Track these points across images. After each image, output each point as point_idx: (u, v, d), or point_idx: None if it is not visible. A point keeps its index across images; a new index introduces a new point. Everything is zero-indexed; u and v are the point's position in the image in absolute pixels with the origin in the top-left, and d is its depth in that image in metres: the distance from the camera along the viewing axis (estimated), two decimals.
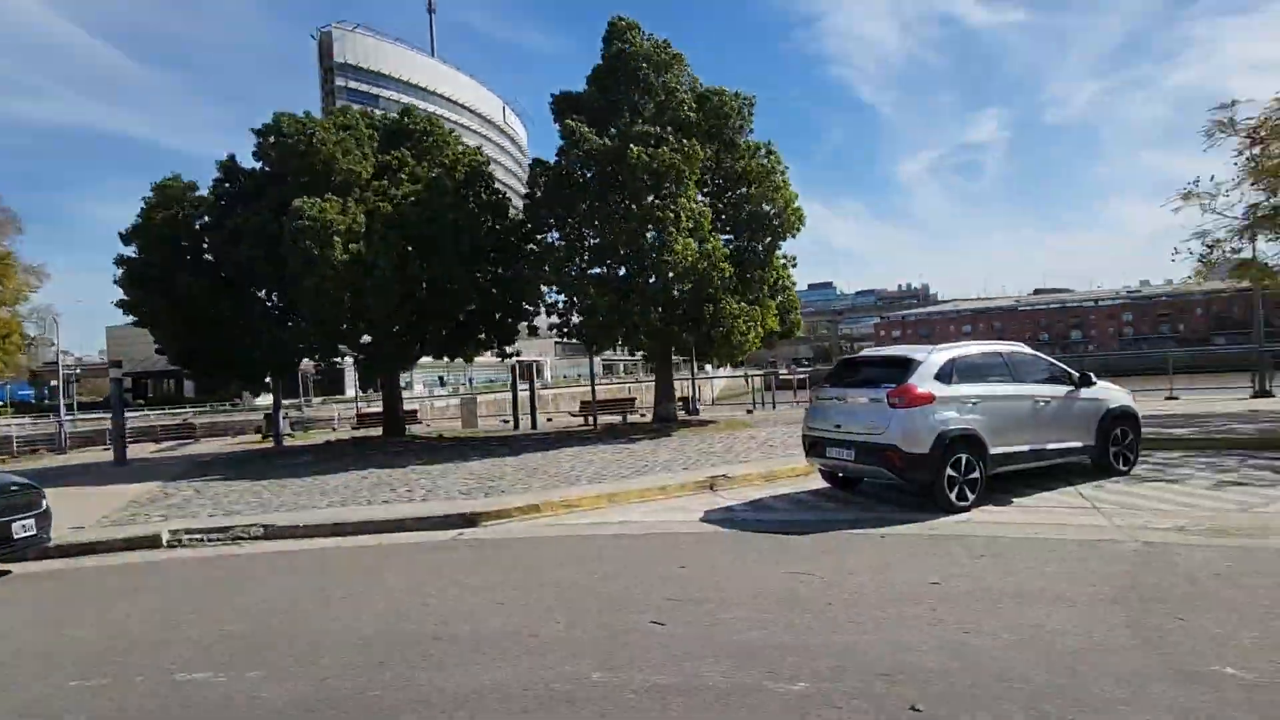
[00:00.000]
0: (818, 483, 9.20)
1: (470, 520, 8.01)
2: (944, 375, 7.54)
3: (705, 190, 16.51)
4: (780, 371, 36.64)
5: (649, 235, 14.75)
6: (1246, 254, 14.74)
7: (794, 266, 17.10)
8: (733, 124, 16.44)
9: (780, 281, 16.82)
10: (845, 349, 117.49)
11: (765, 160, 16.63)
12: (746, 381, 36.80)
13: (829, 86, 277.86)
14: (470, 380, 61.14)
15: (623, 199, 16.33)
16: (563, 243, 16.76)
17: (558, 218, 16.93)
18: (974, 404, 7.50)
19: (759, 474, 9.64)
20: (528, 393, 20.82)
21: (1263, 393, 17.46)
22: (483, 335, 18.50)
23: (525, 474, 10.73)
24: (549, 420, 23.13)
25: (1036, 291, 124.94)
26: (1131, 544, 5.74)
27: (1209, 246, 15.02)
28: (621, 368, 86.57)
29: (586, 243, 16.55)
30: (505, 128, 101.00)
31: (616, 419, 19.89)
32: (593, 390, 17.63)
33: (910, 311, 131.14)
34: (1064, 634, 3.90)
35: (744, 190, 16.66)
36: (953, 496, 7.21)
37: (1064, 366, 8.53)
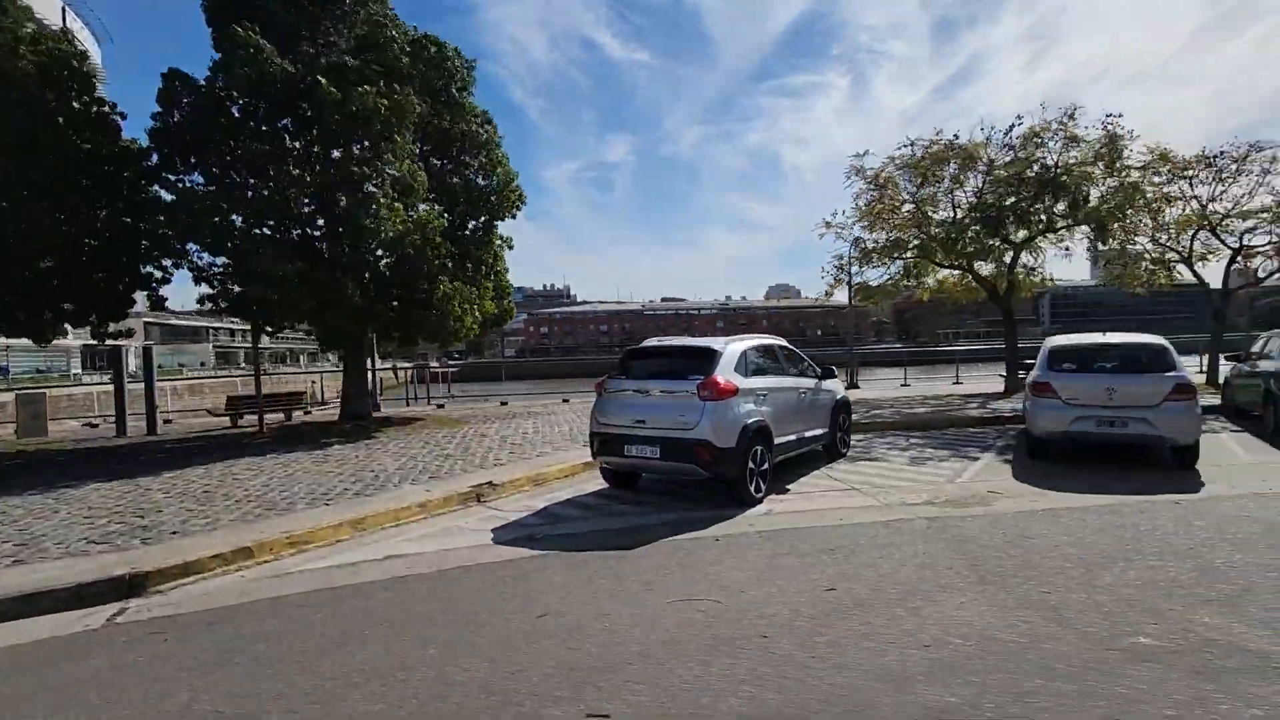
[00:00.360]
0: (591, 484, 8.47)
1: (133, 586, 5.13)
2: (740, 367, 7.49)
3: (419, 152, 14.27)
4: (431, 364, 34.79)
5: (348, 196, 12.02)
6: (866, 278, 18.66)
7: (510, 249, 15.95)
8: (458, 81, 14.54)
9: (496, 264, 15.52)
10: (497, 343, 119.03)
11: (485, 129, 15.14)
12: (395, 374, 34.03)
13: (482, 80, 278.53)
14: (5, 369, 44.06)
15: (307, 145, 13.11)
16: (212, 189, 12.65)
17: (204, 156, 12.74)
18: (764, 395, 7.61)
19: (526, 478, 8.43)
20: (143, 386, 15.39)
21: (852, 385, 22.53)
22: (69, 306, 12.97)
23: (195, 501, 7.56)
24: (168, 422, 17.57)
25: (664, 299, 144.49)
26: (917, 520, 6.33)
27: (839, 268, 18.61)
28: (268, 355, 72.92)
29: (253, 194, 12.80)
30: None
31: (277, 417, 16.05)
32: (257, 381, 13.69)
33: (556, 310, 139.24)
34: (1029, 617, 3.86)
35: (463, 159, 14.90)
36: (752, 489, 7.18)
37: (810, 360, 9.33)
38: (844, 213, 18.43)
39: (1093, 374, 8.68)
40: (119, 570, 5.24)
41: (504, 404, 20.18)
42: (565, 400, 20.16)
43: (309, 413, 18.73)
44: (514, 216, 15.43)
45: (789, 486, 7.97)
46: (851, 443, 10.21)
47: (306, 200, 12.73)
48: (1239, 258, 17.38)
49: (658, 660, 3.59)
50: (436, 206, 13.11)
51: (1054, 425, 8.69)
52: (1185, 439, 8.12)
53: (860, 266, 18.52)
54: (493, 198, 15.13)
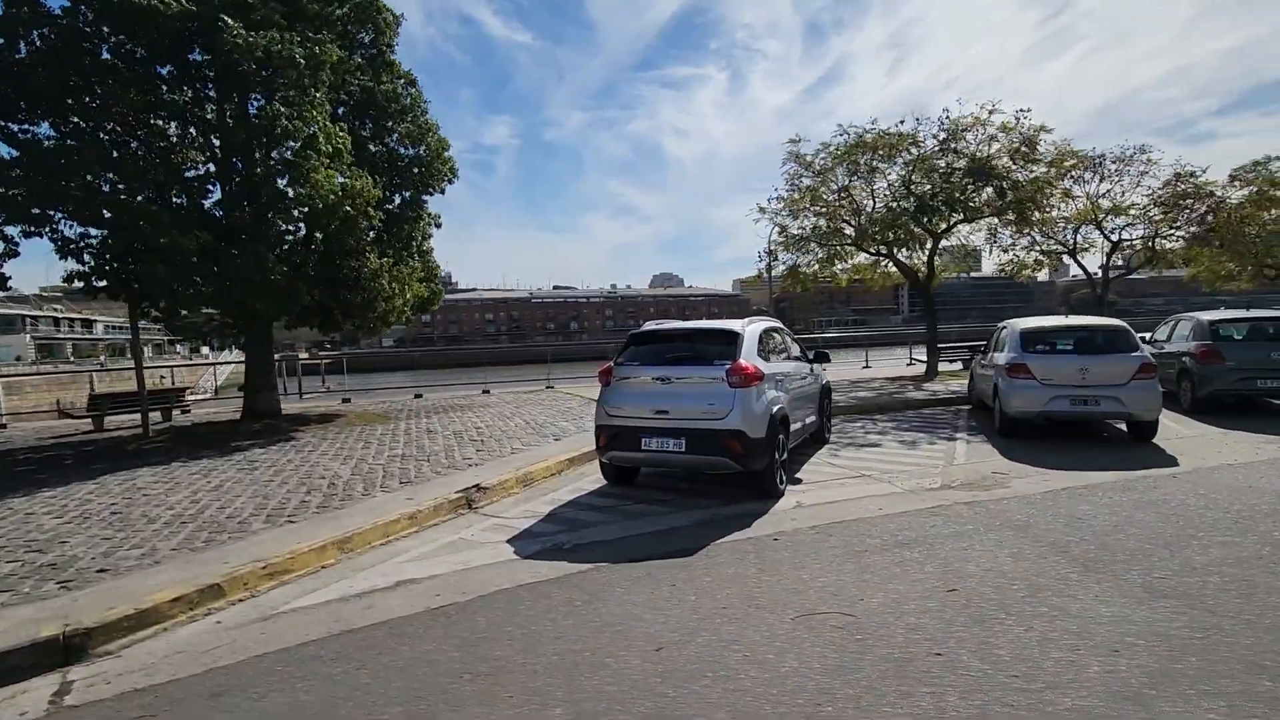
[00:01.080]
0: (584, 481, 7.73)
1: (71, 649, 3.84)
2: (761, 350, 7.02)
3: (339, 114, 12.53)
4: (300, 355, 31.91)
5: (266, 157, 10.28)
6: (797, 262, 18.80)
7: (438, 227, 14.47)
8: (385, 38, 12.89)
9: (424, 242, 14.05)
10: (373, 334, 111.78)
11: (409, 91, 13.59)
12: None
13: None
14: None
15: (199, 96, 11.14)
16: (71, 143, 10.34)
17: (58, 104, 10.39)
18: (779, 380, 7.20)
19: (514, 479, 7.50)
20: None
21: None
22: None
23: (106, 527, 6.00)
24: (1, 427, 14.55)
25: (556, 287, 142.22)
26: (955, 506, 6.17)
27: (770, 254, 18.69)
28: (105, 347, 63.86)
29: (123, 152, 10.63)
30: None
31: (153, 417, 13.69)
32: (139, 374, 11.41)
33: (445, 296, 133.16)
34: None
35: (385, 124, 13.28)
36: (777, 481, 6.76)
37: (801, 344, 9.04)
38: (777, 197, 18.45)
39: (1065, 355, 9.03)
40: (46, 629, 3.90)
41: (419, 396, 18.58)
42: (485, 391, 18.92)
43: (187, 411, 16.24)
44: (443, 191, 14.02)
45: (800, 476, 7.62)
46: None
47: (205, 160, 10.77)
48: (1116, 250, 19.27)
49: (857, 702, 3.00)
50: (365, 175, 11.53)
51: (1031, 405, 8.95)
52: (1149, 415, 8.62)
53: (791, 252, 18.69)
54: (418, 169, 13.65)
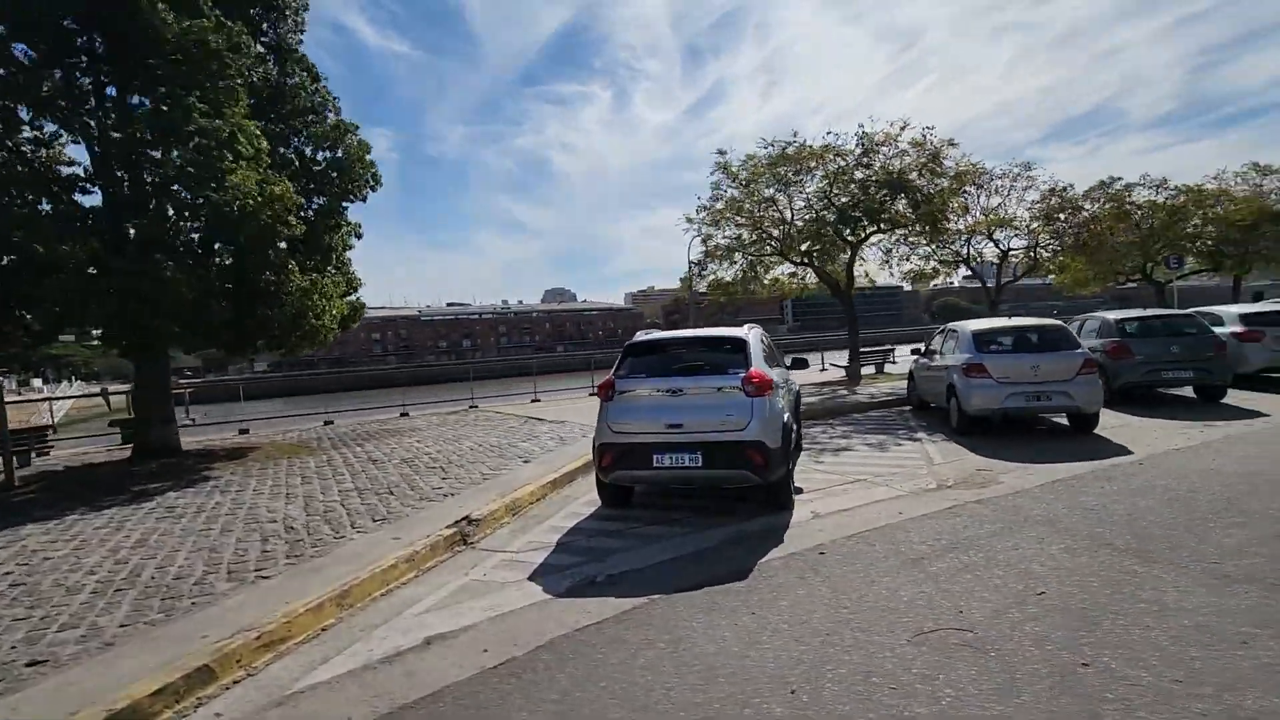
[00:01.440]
0: (576, 505, 7.20)
1: None
2: (766, 357, 6.82)
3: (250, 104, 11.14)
4: (180, 382, 28.74)
5: (175, 155, 8.92)
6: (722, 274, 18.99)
7: (359, 237, 13.23)
8: (290, 21, 11.63)
9: (344, 253, 12.81)
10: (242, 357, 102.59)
11: (318, 87, 12.40)
12: (107, 399, 27.39)
13: None
14: None
15: (93, 84, 9.59)
16: None
17: None
18: (780, 388, 7.01)
19: (501, 508, 6.80)
20: None
21: None
22: None
23: (15, 605, 4.75)
24: None
25: (450, 304, 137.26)
26: (969, 505, 6.23)
27: (699, 264, 18.80)
28: None
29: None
30: None
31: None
32: (0, 409, 9.43)
33: None
34: None
35: (295, 123, 12.01)
36: (791, 491, 6.55)
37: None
38: (701, 207, 18.59)
39: (1017, 354, 9.52)
40: None
41: (329, 423, 17.00)
42: (404, 414, 17.64)
43: (46, 454, 13.84)
44: (364, 199, 12.88)
45: (799, 485, 7.46)
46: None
47: (108, 153, 9.23)
48: (1006, 259, 21.01)
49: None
50: (283, 180, 10.31)
51: (990, 403, 9.35)
52: (1093, 407, 9.24)
53: (717, 261, 18.87)
54: (335, 174, 12.45)
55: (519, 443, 10.62)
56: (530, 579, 5.09)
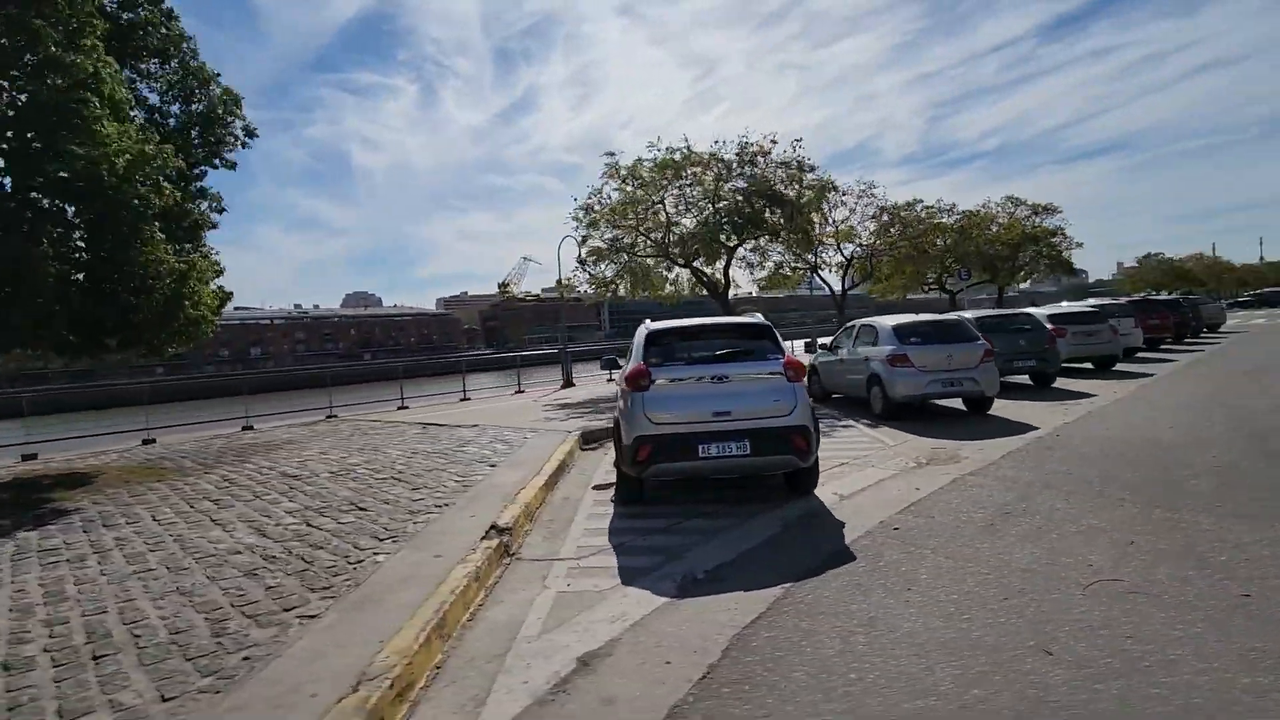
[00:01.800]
0: (589, 507, 6.74)
1: None
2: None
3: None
4: None
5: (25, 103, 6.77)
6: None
7: (221, 212, 10.99)
8: None
9: (206, 231, 10.62)
10: None
11: (171, 26, 10.20)
12: None
13: None
14: None
15: None
16: None
17: None
18: None
19: (520, 514, 6.06)
20: None
21: (569, 383, 22.59)
22: None
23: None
24: None
25: (236, 308, 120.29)
26: (966, 478, 6.81)
27: (582, 262, 18.58)
28: None
29: None
30: None
31: None
32: None
33: None
34: None
35: (145, 68, 9.77)
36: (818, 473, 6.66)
37: None
38: (580, 208, 18.37)
39: (934, 345, 10.59)
40: None
41: (149, 441, 14.07)
42: (248, 427, 15.19)
43: None
44: (232, 166, 10.86)
45: None
46: None
47: None
48: (850, 266, 23.43)
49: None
50: (154, 134, 8.30)
51: (914, 390, 10.30)
52: (993, 391, 10.58)
53: (600, 261, 18.75)
54: (194, 130, 10.36)
55: (455, 449, 9.59)
56: (627, 584, 4.60)
